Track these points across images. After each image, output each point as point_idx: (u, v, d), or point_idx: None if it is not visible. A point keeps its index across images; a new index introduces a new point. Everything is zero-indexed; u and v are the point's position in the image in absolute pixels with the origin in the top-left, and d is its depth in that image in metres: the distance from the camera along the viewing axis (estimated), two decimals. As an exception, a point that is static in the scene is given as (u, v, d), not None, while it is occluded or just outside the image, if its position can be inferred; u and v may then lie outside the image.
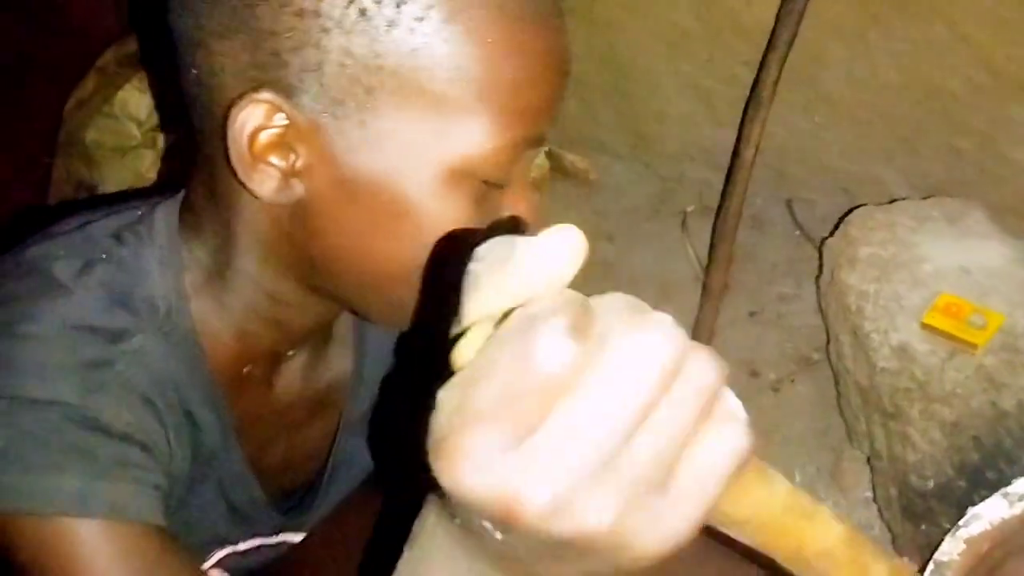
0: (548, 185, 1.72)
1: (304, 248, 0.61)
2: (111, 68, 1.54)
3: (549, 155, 1.75)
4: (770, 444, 1.44)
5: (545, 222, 0.69)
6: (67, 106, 1.52)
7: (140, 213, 0.66)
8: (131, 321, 0.62)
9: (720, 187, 1.47)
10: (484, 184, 0.58)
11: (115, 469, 0.58)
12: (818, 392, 1.45)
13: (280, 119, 0.56)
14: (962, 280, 1.23)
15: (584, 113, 1.74)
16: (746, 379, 1.52)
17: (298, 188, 0.58)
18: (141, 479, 0.60)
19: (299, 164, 0.57)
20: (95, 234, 0.65)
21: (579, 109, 1.74)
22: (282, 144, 0.57)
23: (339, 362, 0.77)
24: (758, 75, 1.31)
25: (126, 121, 1.50)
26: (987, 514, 1.07)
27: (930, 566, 1.07)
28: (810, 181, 1.59)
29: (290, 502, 0.78)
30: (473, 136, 0.56)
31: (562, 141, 1.79)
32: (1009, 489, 1.07)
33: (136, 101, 1.52)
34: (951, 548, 1.06)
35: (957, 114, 1.41)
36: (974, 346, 1.16)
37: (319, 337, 0.74)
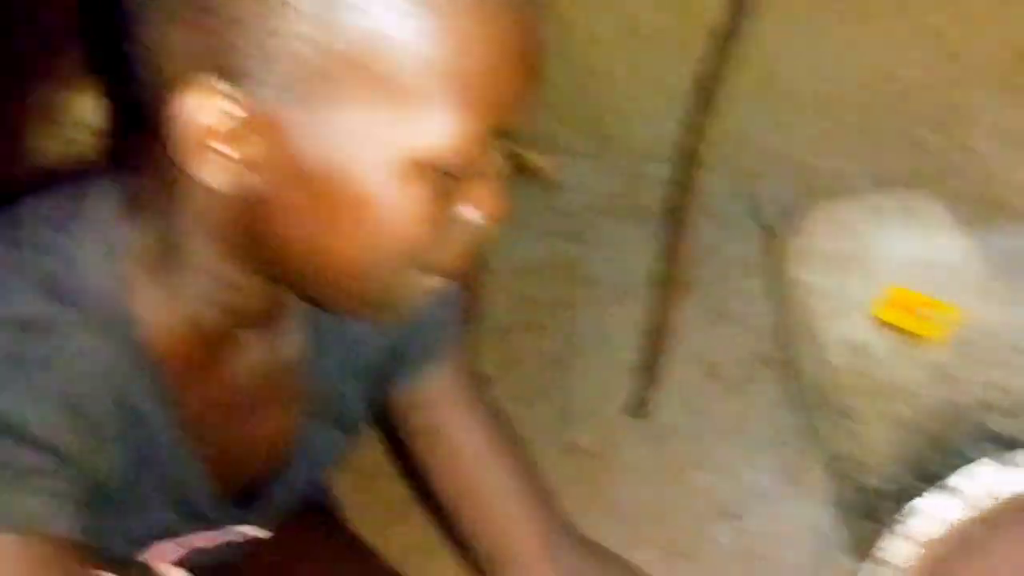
0: (505, 183, 1.69)
1: (258, 237, 0.58)
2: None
3: (510, 154, 1.73)
4: (730, 445, 1.42)
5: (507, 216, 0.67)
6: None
7: (76, 194, 0.62)
8: (59, 312, 0.58)
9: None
10: (446, 176, 0.56)
11: (27, 478, 0.55)
12: (779, 391, 1.42)
13: (231, 107, 0.53)
14: (917, 273, 1.20)
15: (546, 111, 1.71)
16: (707, 379, 1.49)
17: (250, 178, 0.55)
18: (56, 490, 0.56)
19: (251, 153, 0.54)
20: (22, 217, 0.61)
21: (539, 106, 1.71)
22: (232, 133, 0.54)
23: (295, 345, 0.74)
24: (706, 67, 1.29)
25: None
26: (928, 509, 1.04)
27: (870, 564, 1.04)
28: (773, 176, 1.57)
29: (248, 495, 0.75)
30: (435, 127, 0.54)
31: (523, 140, 1.77)
32: (949, 483, 1.04)
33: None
34: (891, 545, 1.03)
35: (917, 105, 1.39)
36: (926, 339, 1.13)
37: (272, 320, 0.71)
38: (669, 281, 1.43)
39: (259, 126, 0.54)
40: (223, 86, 0.53)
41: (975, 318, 1.14)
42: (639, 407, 1.47)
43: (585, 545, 0.85)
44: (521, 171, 1.79)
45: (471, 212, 0.60)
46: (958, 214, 1.34)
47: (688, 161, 1.34)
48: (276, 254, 0.59)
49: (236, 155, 0.54)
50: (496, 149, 0.59)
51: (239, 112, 0.53)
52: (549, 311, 1.60)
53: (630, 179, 1.70)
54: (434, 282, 0.63)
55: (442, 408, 0.81)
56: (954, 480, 1.04)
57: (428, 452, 0.82)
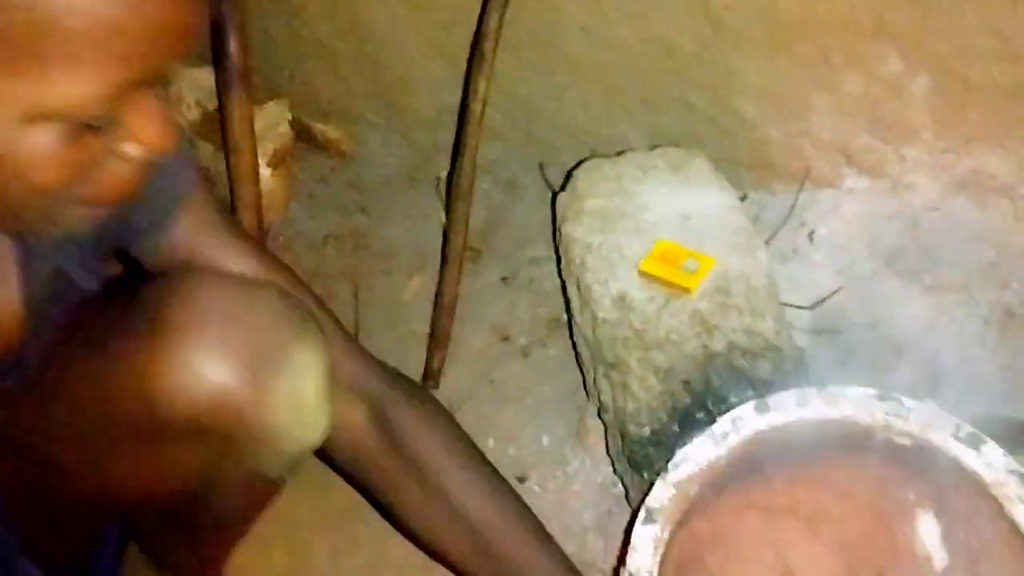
0: (294, 156, 1.65)
1: None
2: None
3: (298, 126, 1.68)
4: (520, 410, 1.42)
5: (179, 152, 0.73)
6: None
7: None
8: None
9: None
10: (84, 125, 0.60)
11: None
12: (567, 354, 1.43)
13: None
14: (681, 227, 1.23)
15: (334, 82, 1.68)
16: (498, 345, 1.49)
17: None
18: None
19: None
20: None
21: (328, 78, 1.68)
22: None
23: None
24: (478, 28, 1.28)
25: None
26: (694, 455, 1.06)
27: (641, 512, 1.06)
28: (559, 142, 1.58)
29: None
30: (57, 84, 0.57)
31: (313, 112, 1.72)
32: (714, 429, 1.07)
33: None
34: (661, 493, 1.05)
35: (688, 70, 1.42)
36: (688, 291, 1.16)
37: None
38: (457, 250, 1.42)
39: None
40: None
41: (731, 268, 1.18)
42: (431, 377, 1.45)
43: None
44: (311, 143, 1.75)
45: (130, 147, 0.63)
46: (727, 173, 1.39)
47: (468, 124, 1.33)
48: None
49: None
50: (153, 95, 0.62)
51: None
52: (339, 284, 1.56)
53: (421, 149, 1.68)
54: (95, 211, 0.65)
55: (196, 241, 0.86)
56: (713, 425, 1.06)
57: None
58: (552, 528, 1.30)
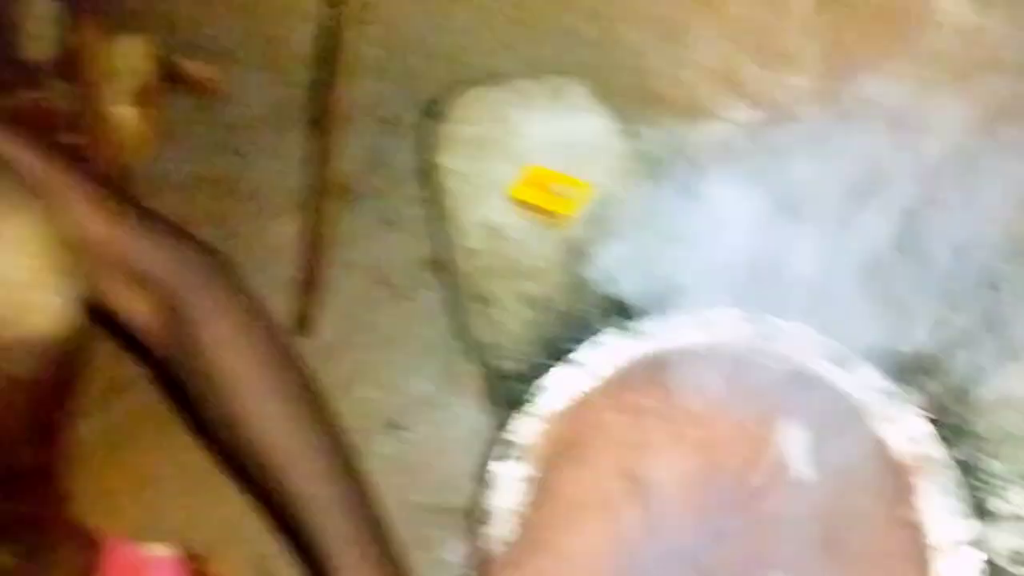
0: (161, 95, 1.54)
1: None
2: None
3: (164, 63, 1.58)
4: (396, 355, 1.35)
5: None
6: None
7: None
8: None
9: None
10: None
11: None
12: (448, 295, 1.36)
13: None
14: (559, 154, 1.17)
15: (206, 17, 1.58)
16: (376, 289, 1.41)
17: None
18: None
19: None
20: None
21: (196, 10, 1.57)
22: None
23: None
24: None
25: None
26: (554, 385, 1.01)
27: (499, 447, 1.00)
28: (438, 77, 1.50)
29: None
30: None
31: (184, 48, 1.61)
32: (579, 356, 1.01)
33: None
34: (519, 425, 0.99)
35: (570, -4, 1.36)
36: (561, 217, 1.10)
37: None
38: (327, 190, 1.34)
39: None
40: None
41: (607, 194, 1.12)
42: (303, 324, 1.37)
43: None
44: (181, 82, 1.65)
45: None
46: (612, 107, 1.33)
47: (341, 62, 1.25)
48: None
49: None
50: None
51: None
52: (208, 228, 1.46)
53: (295, 86, 1.59)
54: None
55: None
56: (578, 353, 1.01)
57: None
58: (429, 475, 1.25)
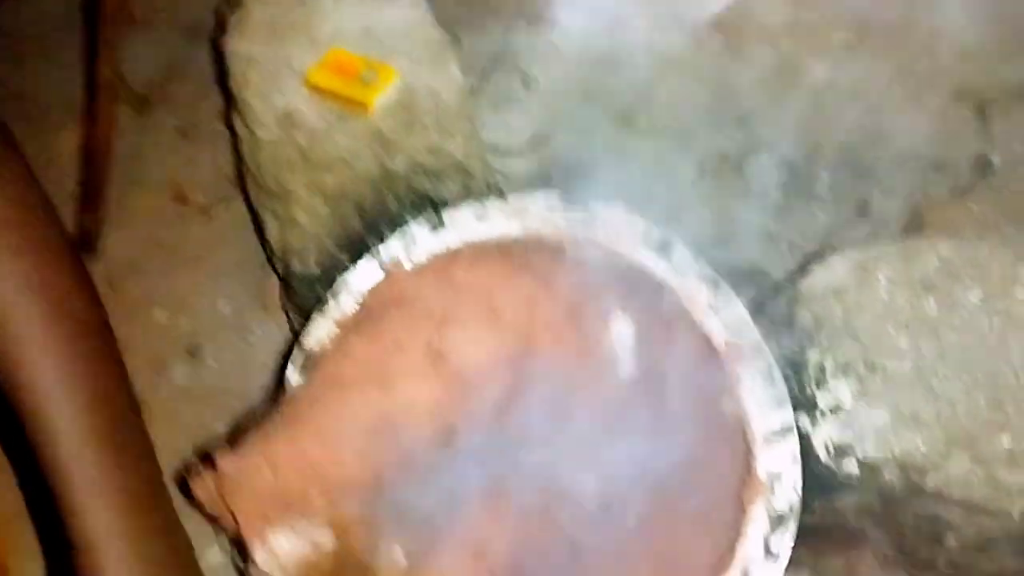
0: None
1: None
2: None
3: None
4: (195, 275, 1.22)
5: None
6: None
7: None
8: None
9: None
10: None
11: None
12: (250, 204, 1.23)
13: None
14: (364, 40, 1.06)
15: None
16: (172, 205, 1.27)
17: None
18: None
19: None
20: None
21: None
22: None
23: None
24: None
25: None
26: (357, 284, 0.90)
27: (294, 350, 0.89)
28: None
29: None
30: None
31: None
32: (381, 251, 0.91)
33: None
34: (317, 331, 0.88)
35: None
36: (365, 105, 0.99)
37: None
38: (110, 97, 1.20)
39: None
40: None
41: (418, 83, 1.02)
42: (87, 241, 1.22)
43: None
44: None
45: None
46: (433, 9, 1.23)
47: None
48: None
49: None
50: None
51: None
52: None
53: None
54: None
55: None
56: (379, 248, 0.91)
57: None
58: (231, 401, 1.13)
